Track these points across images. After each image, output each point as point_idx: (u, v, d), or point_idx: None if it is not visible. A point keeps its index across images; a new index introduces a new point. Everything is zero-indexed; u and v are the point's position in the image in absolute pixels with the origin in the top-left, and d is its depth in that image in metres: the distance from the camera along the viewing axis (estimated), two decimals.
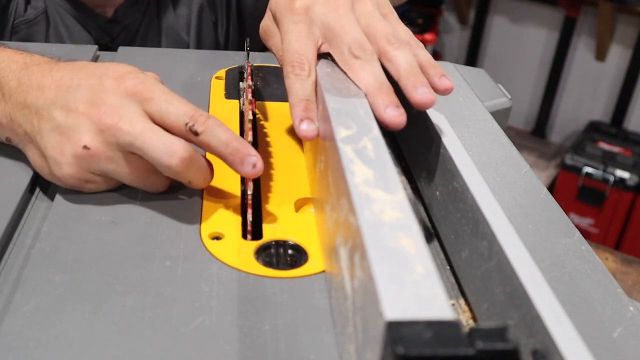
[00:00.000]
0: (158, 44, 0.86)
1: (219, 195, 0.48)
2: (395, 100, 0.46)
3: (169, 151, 0.43)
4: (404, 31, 0.51)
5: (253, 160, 0.44)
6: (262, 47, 0.89)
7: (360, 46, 0.48)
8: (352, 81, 0.47)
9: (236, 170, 0.45)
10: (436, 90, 0.48)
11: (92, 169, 0.45)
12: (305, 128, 0.46)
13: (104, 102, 0.44)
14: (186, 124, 0.44)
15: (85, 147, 0.44)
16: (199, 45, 0.88)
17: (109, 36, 0.83)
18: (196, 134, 0.44)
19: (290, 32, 0.49)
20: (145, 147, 0.43)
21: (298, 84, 0.47)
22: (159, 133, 0.43)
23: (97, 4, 0.81)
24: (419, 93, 0.45)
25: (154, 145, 0.43)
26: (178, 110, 0.44)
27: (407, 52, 0.48)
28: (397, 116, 0.45)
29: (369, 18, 0.49)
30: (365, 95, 0.46)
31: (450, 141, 0.46)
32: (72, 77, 0.46)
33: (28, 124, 0.46)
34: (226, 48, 0.90)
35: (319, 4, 0.50)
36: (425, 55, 0.50)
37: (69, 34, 0.81)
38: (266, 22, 0.54)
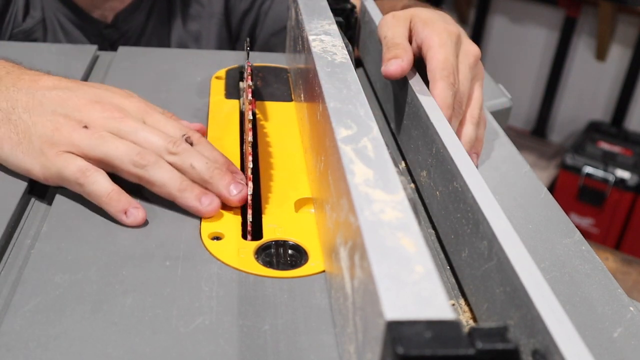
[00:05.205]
0: None
1: None
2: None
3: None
4: (481, 100, 0.57)
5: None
6: (262, 48, 0.90)
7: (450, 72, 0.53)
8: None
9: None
10: None
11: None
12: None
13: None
14: (183, 135, 0.49)
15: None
16: None
17: (108, 42, 0.82)
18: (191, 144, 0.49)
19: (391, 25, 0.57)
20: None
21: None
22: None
23: (95, 6, 0.81)
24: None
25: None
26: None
27: (474, 129, 0.55)
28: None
29: (465, 80, 0.55)
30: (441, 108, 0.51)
31: (450, 141, 0.46)
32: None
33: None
34: None
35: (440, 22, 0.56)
36: (481, 134, 0.57)
37: (68, 39, 0.81)
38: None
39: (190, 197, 0.46)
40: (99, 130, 0.47)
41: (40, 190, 0.49)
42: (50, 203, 0.47)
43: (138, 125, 0.48)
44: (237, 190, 0.47)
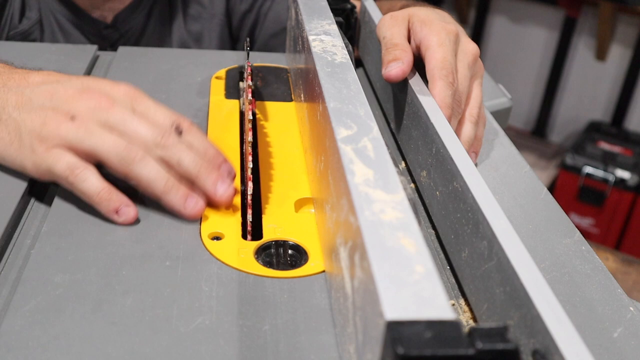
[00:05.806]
0: None
1: None
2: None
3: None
4: (480, 98, 0.57)
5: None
6: (261, 50, 0.90)
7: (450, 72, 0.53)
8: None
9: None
10: None
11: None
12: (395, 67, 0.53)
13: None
14: (172, 123, 0.46)
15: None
16: None
17: (107, 42, 0.82)
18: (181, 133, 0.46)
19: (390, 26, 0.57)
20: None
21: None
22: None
23: (94, 6, 0.81)
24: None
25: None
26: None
27: (473, 128, 0.55)
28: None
29: (463, 79, 0.55)
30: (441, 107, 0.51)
31: (450, 141, 0.46)
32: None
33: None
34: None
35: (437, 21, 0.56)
36: (480, 132, 0.57)
37: (67, 40, 0.81)
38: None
39: (174, 198, 0.45)
40: (87, 122, 0.45)
41: (40, 190, 0.49)
42: (50, 203, 0.47)
43: (126, 115, 0.46)
44: (223, 188, 0.46)
